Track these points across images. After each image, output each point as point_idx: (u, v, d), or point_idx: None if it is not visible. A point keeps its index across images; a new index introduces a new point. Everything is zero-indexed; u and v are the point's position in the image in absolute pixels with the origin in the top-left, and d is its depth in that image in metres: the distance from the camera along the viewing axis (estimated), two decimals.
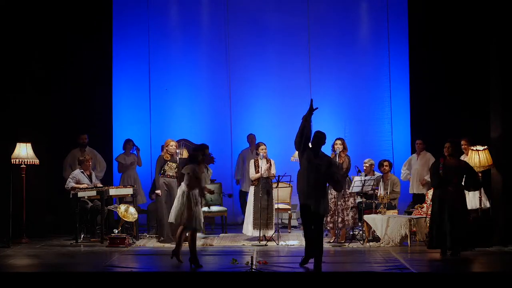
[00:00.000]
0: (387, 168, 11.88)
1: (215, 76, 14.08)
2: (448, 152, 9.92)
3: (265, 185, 11.35)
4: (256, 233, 11.26)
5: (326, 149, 11.44)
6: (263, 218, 11.23)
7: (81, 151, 12.42)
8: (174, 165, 11.20)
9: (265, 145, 11.48)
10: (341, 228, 11.07)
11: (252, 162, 11.48)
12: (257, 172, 11.37)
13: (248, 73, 14.07)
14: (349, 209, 11.07)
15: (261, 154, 11.38)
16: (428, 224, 10.57)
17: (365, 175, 11.65)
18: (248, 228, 11.44)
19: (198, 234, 11.77)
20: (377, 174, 11.95)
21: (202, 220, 9.43)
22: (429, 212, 11.27)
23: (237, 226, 13.31)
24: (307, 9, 14.04)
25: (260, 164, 11.38)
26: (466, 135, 11.49)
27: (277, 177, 11.26)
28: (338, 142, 11.09)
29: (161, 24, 14.03)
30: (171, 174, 11.20)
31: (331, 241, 11.04)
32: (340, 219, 11.00)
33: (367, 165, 11.87)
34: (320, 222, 9.04)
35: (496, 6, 11.33)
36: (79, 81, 12.99)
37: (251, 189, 11.51)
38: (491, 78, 11.56)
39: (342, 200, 11.06)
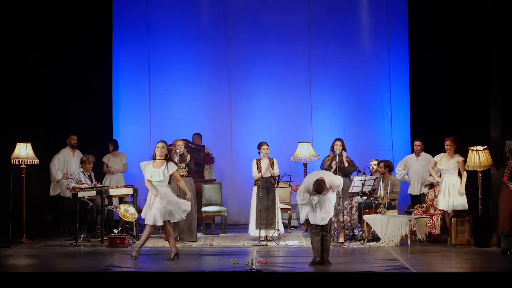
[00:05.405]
0: (381, 169, 11.92)
1: (215, 76, 14.07)
2: None
3: (265, 184, 11.34)
4: (259, 233, 11.21)
5: (325, 149, 11.54)
6: (265, 218, 11.22)
7: (73, 152, 12.39)
8: (182, 164, 11.23)
9: (267, 145, 11.48)
10: (348, 228, 11.12)
11: (254, 162, 11.46)
12: (259, 172, 11.35)
13: (248, 72, 14.07)
14: (353, 208, 11.09)
15: (261, 154, 11.38)
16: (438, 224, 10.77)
17: (371, 175, 11.71)
18: (251, 228, 11.42)
19: (198, 234, 11.84)
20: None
21: (153, 214, 9.43)
22: (429, 212, 11.31)
23: (237, 226, 13.32)
24: (307, 9, 14.04)
25: (261, 163, 11.38)
26: (455, 134, 11.43)
27: (277, 177, 11.26)
28: (338, 143, 11.09)
29: (161, 24, 14.02)
30: (181, 174, 11.25)
31: (339, 241, 11.03)
32: (348, 218, 11.03)
33: (376, 165, 11.97)
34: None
35: (495, 5, 11.33)
36: (79, 81, 13.00)
37: (254, 189, 11.49)
38: (492, 78, 11.55)
39: (349, 199, 11.11)
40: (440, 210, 11.16)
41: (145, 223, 9.57)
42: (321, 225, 9.06)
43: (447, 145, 11.10)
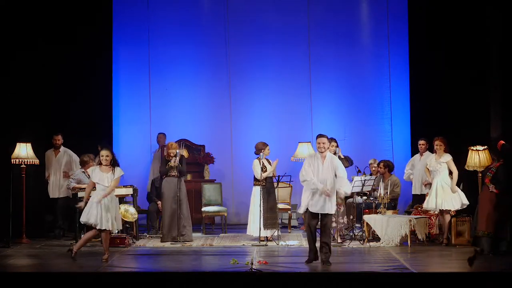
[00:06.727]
0: (381, 169, 11.91)
1: (215, 75, 14.08)
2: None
3: (266, 184, 11.34)
4: (263, 234, 11.14)
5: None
6: (270, 218, 11.22)
7: (55, 152, 12.34)
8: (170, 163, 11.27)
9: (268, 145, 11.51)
10: (346, 228, 11.14)
11: (256, 162, 11.41)
12: (264, 171, 11.29)
13: (248, 72, 14.08)
14: (341, 210, 11.10)
15: (262, 154, 11.37)
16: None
17: (371, 175, 11.72)
18: (255, 228, 11.25)
19: (198, 234, 11.85)
20: None
21: (93, 216, 9.38)
22: (429, 212, 11.30)
23: (237, 226, 13.31)
24: (307, 9, 14.05)
25: (263, 164, 11.35)
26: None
27: (277, 177, 11.27)
28: (334, 143, 11.08)
29: (161, 24, 14.03)
30: (172, 174, 11.26)
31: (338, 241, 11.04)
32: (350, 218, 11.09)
33: (376, 166, 11.98)
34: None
35: (495, 5, 11.33)
36: (79, 81, 12.99)
37: (256, 190, 11.42)
38: (491, 78, 11.55)
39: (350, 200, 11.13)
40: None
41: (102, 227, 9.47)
42: (320, 216, 9.04)
43: (436, 145, 11.03)
